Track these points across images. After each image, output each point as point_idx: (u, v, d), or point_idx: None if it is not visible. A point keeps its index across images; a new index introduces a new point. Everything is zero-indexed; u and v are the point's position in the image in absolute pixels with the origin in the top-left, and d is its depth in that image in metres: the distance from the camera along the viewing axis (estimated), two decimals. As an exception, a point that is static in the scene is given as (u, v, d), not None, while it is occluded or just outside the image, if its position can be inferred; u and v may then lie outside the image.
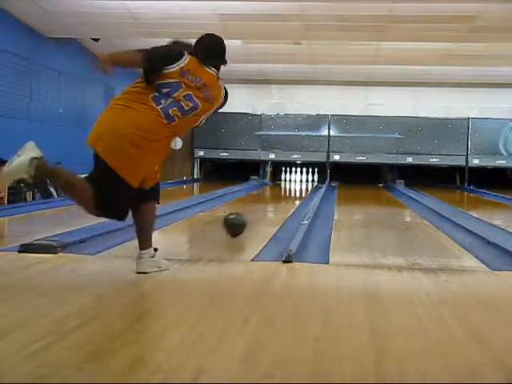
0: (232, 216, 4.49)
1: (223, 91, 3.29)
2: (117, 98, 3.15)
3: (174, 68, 3.09)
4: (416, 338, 2.21)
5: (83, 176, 3.10)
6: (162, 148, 3.13)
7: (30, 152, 2.90)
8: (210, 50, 3.28)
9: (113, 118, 3.04)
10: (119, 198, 3.05)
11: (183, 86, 3.08)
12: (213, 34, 3.39)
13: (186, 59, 3.14)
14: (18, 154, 2.89)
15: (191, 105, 3.09)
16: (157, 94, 3.04)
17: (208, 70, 3.21)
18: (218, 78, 3.27)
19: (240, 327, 2.25)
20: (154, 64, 3.07)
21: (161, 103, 3.03)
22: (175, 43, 3.37)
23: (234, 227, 4.42)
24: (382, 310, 2.60)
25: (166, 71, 3.07)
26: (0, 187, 3.02)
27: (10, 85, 8.47)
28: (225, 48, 3.36)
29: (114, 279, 3.06)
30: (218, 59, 3.30)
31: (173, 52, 3.19)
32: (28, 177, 2.91)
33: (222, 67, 3.31)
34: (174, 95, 3.05)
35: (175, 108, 3.05)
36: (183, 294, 2.81)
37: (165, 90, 3.05)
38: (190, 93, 3.09)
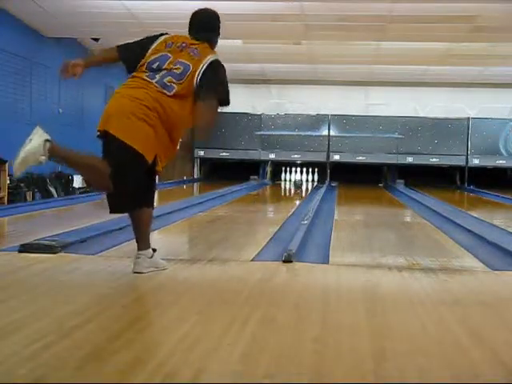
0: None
1: (215, 54, 3.27)
2: (117, 89, 3.24)
3: (155, 44, 3.24)
4: (416, 338, 2.21)
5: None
6: (174, 126, 3.15)
7: (40, 135, 2.88)
8: (198, 24, 3.35)
9: (116, 102, 3.12)
10: (132, 175, 3.06)
11: (170, 56, 3.18)
12: (203, 9, 3.43)
13: (168, 35, 3.30)
14: (30, 139, 2.87)
15: (182, 68, 3.14)
16: (150, 73, 3.15)
17: (197, 41, 3.28)
18: (211, 48, 3.31)
19: (240, 327, 2.25)
20: (128, 51, 3.26)
21: (155, 77, 3.13)
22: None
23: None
24: (381, 309, 2.60)
25: (149, 51, 3.21)
26: (17, 173, 2.97)
27: (9, 85, 8.47)
28: (213, 20, 3.40)
29: (115, 279, 3.06)
30: (207, 32, 3.34)
31: (149, 36, 3.32)
32: (44, 159, 2.89)
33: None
34: (165, 66, 3.15)
35: (169, 77, 3.13)
36: (183, 294, 2.81)
37: (155, 65, 3.16)
38: (179, 59, 3.17)
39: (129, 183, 3.08)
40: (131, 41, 3.33)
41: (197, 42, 3.27)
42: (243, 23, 8.74)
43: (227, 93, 3.26)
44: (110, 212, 3.20)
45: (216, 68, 3.22)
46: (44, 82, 9.38)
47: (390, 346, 2.08)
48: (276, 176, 13.75)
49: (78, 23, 9.04)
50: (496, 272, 3.51)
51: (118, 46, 3.31)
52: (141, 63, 3.21)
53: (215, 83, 3.21)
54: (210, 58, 3.21)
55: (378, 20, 8.49)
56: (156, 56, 3.18)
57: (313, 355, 1.97)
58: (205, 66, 3.17)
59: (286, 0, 7.71)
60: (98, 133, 3.11)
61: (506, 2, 7.67)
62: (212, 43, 3.35)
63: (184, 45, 3.22)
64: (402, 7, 7.89)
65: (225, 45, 11.54)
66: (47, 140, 2.89)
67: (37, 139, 2.87)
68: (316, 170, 13.71)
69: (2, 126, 8.17)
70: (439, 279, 3.23)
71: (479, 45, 10.06)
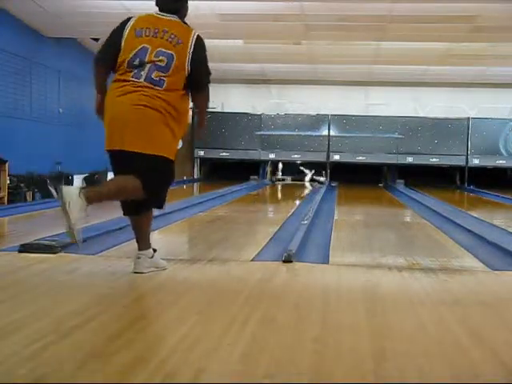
0: None
1: (193, 33, 3.12)
2: (109, 90, 3.12)
3: (125, 36, 3.07)
4: (416, 338, 2.21)
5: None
6: (180, 116, 3.12)
7: (72, 191, 2.87)
8: None
9: (119, 112, 3.02)
10: (172, 177, 3.20)
11: (148, 47, 3.04)
12: None
13: (133, 20, 3.15)
14: (68, 202, 2.84)
15: (166, 60, 3.03)
16: (134, 71, 3.03)
17: (165, 17, 3.15)
18: (182, 21, 3.18)
19: (240, 327, 2.25)
20: (101, 57, 3.14)
21: (141, 75, 3.02)
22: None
23: None
24: (382, 309, 2.60)
25: (123, 45, 3.06)
26: (79, 240, 3.01)
27: (9, 85, 8.46)
28: None
29: (115, 279, 3.06)
30: (170, 3, 3.18)
31: (114, 29, 3.17)
32: (89, 207, 2.91)
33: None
34: (146, 59, 3.02)
35: (156, 71, 3.02)
36: (183, 294, 2.81)
37: (136, 62, 3.03)
38: (159, 48, 3.04)
39: (165, 188, 3.20)
40: (101, 44, 3.22)
41: (166, 19, 3.13)
42: (244, 23, 8.74)
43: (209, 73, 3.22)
44: (124, 214, 3.24)
45: (202, 53, 3.13)
46: (44, 82, 9.37)
47: (390, 346, 2.08)
48: (276, 176, 13.77)
49: (78, 23, 9.04)
50: (496, 272, 3.51)
51: (97, 61, 3.16)
52: (120, 61, 3.07)
53: (206, 72, 3.17)
54: (192, 42, 3.08)
55: (378, 20, 8.49)
56: (134, 52, 3.04)
57: (313, 355, 1.97)
58: (191, 52, 3.06)
59: (287, 0, 7.72)
60: (109, 150, 3.08)
61: (506, 2, 7.67)
62: (181, 12, 3.20)
63: (156, 30, 3.08)
64: (402, 7, 7.89)
65: (226, 45, 11.54)
66: (80, 189, 2.88)
67: (73, 196, 2.85)
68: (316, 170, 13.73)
69: (2, 125, 8.16)
70: (439, 279, 3.23)
71: (479, 45, 10.06)
